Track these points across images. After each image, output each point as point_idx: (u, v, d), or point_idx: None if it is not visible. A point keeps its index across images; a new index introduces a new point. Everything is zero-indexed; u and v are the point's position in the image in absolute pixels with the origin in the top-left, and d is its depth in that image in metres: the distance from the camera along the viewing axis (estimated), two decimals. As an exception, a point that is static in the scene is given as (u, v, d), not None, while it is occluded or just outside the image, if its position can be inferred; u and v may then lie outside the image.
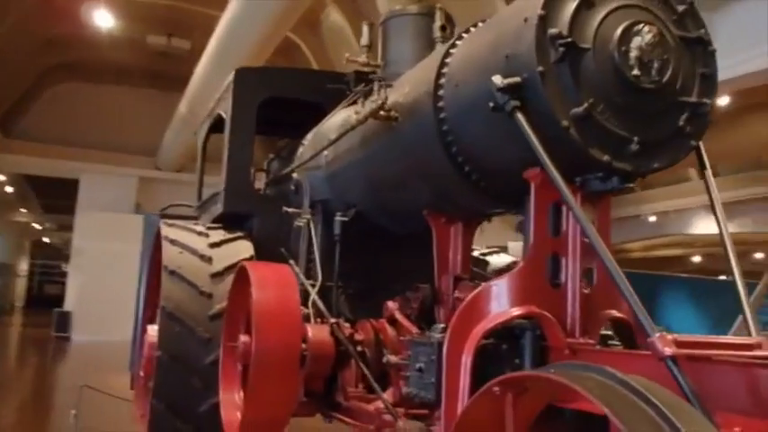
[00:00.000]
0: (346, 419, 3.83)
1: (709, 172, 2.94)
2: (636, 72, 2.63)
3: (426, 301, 3.82)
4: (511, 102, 2.67)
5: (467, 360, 2.77)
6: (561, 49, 2.60)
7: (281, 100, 5.55)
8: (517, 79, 2.67)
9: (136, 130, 22.34)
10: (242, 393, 4.17)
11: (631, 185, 2.76)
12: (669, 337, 2.12)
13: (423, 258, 5.00)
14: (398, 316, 4.03)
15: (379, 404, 3.65)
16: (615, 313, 2.98)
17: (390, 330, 4.06)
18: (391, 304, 4.12)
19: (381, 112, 3.58)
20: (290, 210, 4.84)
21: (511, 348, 2.87)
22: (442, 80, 3.26)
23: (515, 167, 2.94)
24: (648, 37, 2.66)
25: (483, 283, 2.88)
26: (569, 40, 2.60)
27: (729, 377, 2.07)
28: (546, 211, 2.90)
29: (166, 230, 5.00)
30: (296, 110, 5.79)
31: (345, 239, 4.48)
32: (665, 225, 20.45)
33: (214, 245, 4.92)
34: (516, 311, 2.79)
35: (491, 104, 2.76)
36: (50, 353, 17.84)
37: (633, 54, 2.64)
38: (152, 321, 5.80)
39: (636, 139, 2.67)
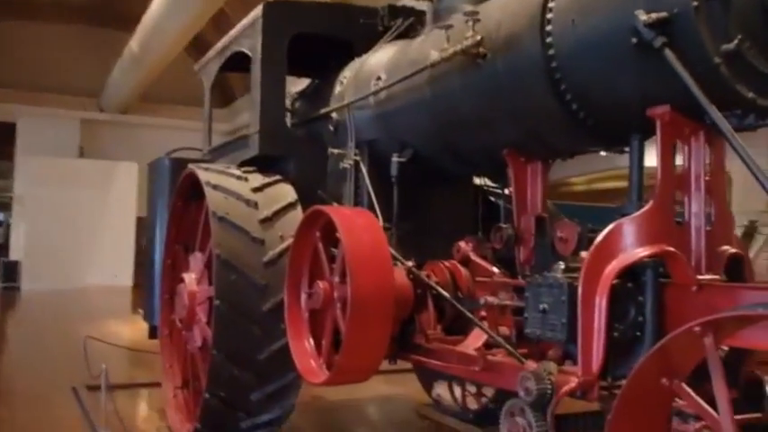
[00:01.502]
0: (431, 362, 3.82)
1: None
2: (782, 7, 2.61)
3: (510, 241, 3.80)
4: (659, 38, 2.61)
5: (601, 300, 2.77)
6: (714, -17, 2.55)
7: (305, 37, 5.33)
8: (665, 14, 2.61)
9: (77, 70, 21.31)
10: (312, 340, 4.11)
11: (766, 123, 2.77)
12: None
13: (469, 199, 5.03)
14: (474, 257, 4.01)
15: (469, 346, 3.66)
16: (731, 249, 3.03)
17: (464, 271, 4.05)
18: (464, 245, 4.09)
19: (473, 50, 3.47)
20: (335, 151, 4.70)
21: (635, 287, 2.89)
22: (550, 15, 3.17)
23: (635, 105, 2.91)
24: (795, -28, 2.63)
25: (613, 223, 2.85)
26: (722, -27, 2.55)
27: None
28: (671, 150, 2.90)
29: (205, 175, 4.79)
30: (320, 47, 5.59)
31: (401, 181, 4.41)
32: (615, 158, 20.85)
33: (257, 189, 4.76)
34: (648, 250, 2.80)
35: (634, 40, 2.70)
36: (9, 304, 17.14)
37: (779, -12, 2.61)
38: (175, 270, 5.63)
39: (778, 74, 2.67)
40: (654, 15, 2.61)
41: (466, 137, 4.00)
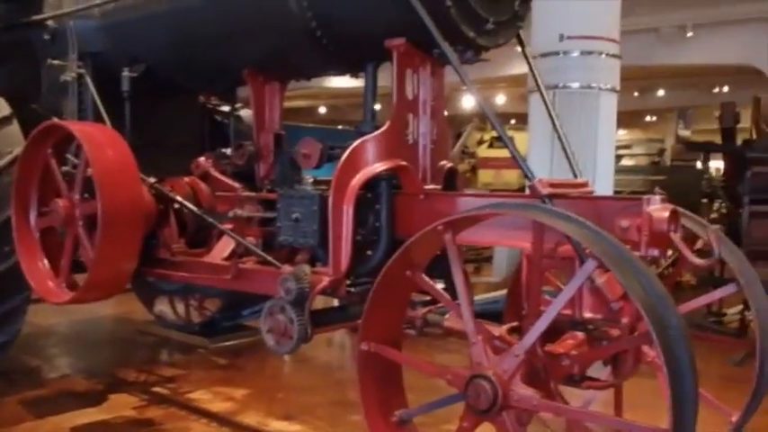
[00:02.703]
0: (178, 274, 3.93)
1: (528, 50, 3.63)
2: (497, -37, 3.14)
3: (252, 157, 4.01)
4: (401, -20, 2.97)
5: (348, 209, 3.16)
6: (448, -65, 2.96)
7: None
8: (407, -43, 2.97)
9: None
10: (46, 261, 3.97)
11: (484, 59, 3.33)
12: (545, 180, 2.79)
13: (196, 116, 5.12)
14: (214, 173, 4.16)
15: (216, 257, 3.85)
16: (448, 163, 3.61)
17: (204, 187, 4.19)
18: (204, 161, 4.22)
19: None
20: (55, 62, 4.41)
21: (374, 196, 3.32)
22: (298, -56, 3.36)
23: (373, 36, 3.28)
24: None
25: (356, 141, 3.21)
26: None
27: (580, 206, 2.77)
28: (405, 78, 3.32)
29: None
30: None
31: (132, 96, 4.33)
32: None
33: (-38, 101, 4.31)
34: (386, 165, 3.24)
35: (378, -21, 3.03)
36: None
37: (495, -52, 3.13)
38: None
39: (491, 19, 3.22)
40: (399, -43, 2.97)
41: (206, 55, 4.06)
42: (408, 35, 3.19)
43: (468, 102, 19.75)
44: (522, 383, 2.43)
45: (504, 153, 17.17)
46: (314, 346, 5.94)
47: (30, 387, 4.70)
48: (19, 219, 3.95)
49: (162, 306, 6.47)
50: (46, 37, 4.65)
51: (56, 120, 3.85)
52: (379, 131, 3.25)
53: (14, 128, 4.37)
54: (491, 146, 18.28)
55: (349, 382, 5.16)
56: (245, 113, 5.60)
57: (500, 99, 22.66)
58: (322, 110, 30.35)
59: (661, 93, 23.04)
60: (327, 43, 3.52)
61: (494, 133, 18.12)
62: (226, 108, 5.45)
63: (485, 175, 18.71)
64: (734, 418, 2.95)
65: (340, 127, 24.01)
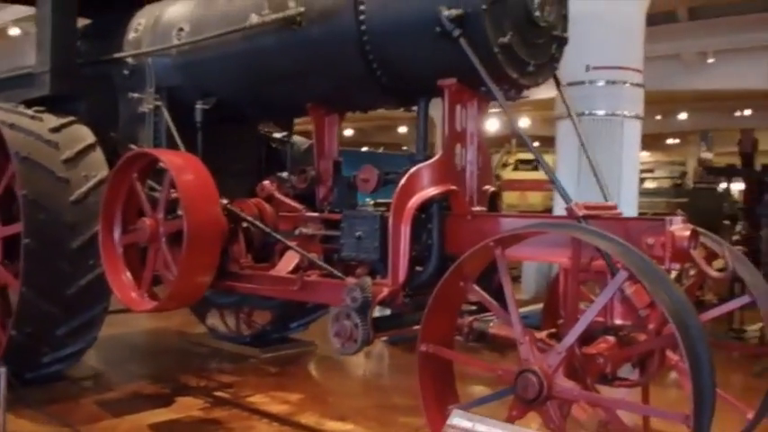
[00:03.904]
0: (247, 286, 4.38)
1: (563, 89, 4.08)
2: (537, 13, 3.60)
3: (313, 181, 4.47)
4: (457, 29, 3.44)
5: (405, 228, 3.60)
6: (497, -8, 3.44)
7: None
8: (461, 11, 3.44)
9: None
10: (129, 273, 4.44)
11: (525, 97, 3.79)
12: (580, 203, 3.21)
13: (254, 143, 5.63)
14: (278, 195, 4.63)
15: (281, 270, 4.30)
16: (491, 188, 4.05)
17: (269, 208, 4.65)
18: (268, 185, 4.68)
19: (294, 18, 4.02)
20: (135, 95, 4.92)
21: (427, 217, 3.76)
22: (363, -1, 3.84)
23: (428, 76, 3.74)
24: (546, -13, 3.62)
25: (412, 168, 3.65)
26: (503, -14, 3.45)
27: (611, 226, 3.17)
28: (455, 113, 3.77)
29: (-2, 114, 4.74)
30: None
31: (203, 126, 4.81)
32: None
33: (54, 129, 4.82)
34: (438, 189, 3.68)
35: (437, 29, 3.49)
36: None
37: (536, 0, 3.59)
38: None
39: (532, 62, 3.67)
40: (454, 12, 3.44)
41: (275, 90, 4.55)
42: (459, 75, 3.65)
43: (491, 125, 20.24)
44: (563, 377, 2.84)
45: (528, 175, 17.64)
46: (354, 358, 6.36)
47: (100, 391, 5.15)
48: (105, 236, 4.42)
49: (213, 319, 6.92)
50: (125, 72, 5.16)
51: (145, 148, 4.33)
52: (432, 160, 3.70)
53: (99, 154, 4.89)
54: (516, 168, 18.63)
55: (391, 389, 5.58)
56: (299, 140, 6.12)
57: (524, 122, 23.07)
58: (348, 132, 31.03)
59: (683, 116, 23.34)
60: (386, 82, 3.99)
61: (518, 156, 18.57)
62: (279, 135, 5.98)
63: (509, 197, 19.03)
64: (749, 416, 3.34)
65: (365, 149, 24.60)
